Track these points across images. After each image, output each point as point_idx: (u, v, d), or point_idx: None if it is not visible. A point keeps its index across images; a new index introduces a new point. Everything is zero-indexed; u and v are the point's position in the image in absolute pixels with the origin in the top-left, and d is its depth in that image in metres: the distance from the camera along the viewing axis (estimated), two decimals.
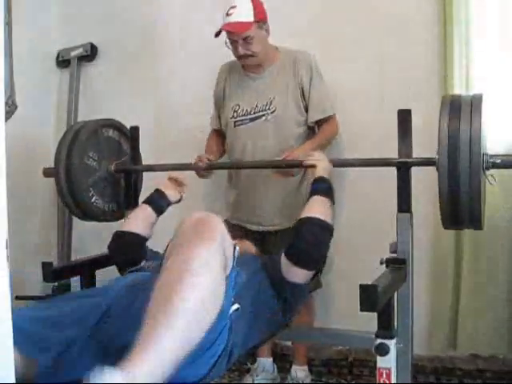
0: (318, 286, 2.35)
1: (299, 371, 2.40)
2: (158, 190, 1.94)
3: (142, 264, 1.72)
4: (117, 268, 1.83)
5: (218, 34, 2.14)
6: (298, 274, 1.57)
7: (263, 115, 2.21)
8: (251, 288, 1.47)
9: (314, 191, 1.74)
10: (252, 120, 2.23)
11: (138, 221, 1.87)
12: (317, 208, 1.67)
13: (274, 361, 2.51)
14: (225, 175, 2.45)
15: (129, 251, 1.79)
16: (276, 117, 2.20)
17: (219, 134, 2.40)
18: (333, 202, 1.72)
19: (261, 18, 2.14)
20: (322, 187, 1.74)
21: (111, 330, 1.22)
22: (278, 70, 2.23)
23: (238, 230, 2.34)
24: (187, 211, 2.77)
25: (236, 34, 2.12)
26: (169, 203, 1.94)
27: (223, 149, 2.37)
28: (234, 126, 2.27)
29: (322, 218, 1.61)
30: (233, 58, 2.27)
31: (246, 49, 2.15)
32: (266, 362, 2.46)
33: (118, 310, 1.24)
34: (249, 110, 2.24)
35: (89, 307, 1.28)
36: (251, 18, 2.11)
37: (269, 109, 2.20)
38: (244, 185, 2.30)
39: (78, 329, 1.23)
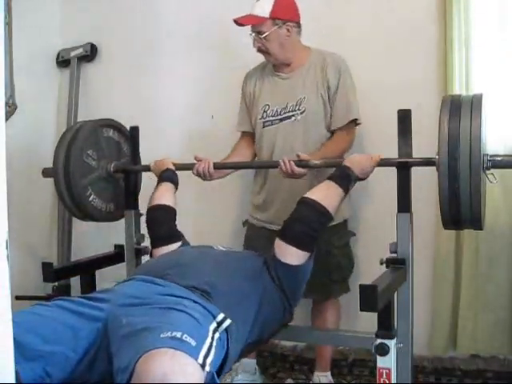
0: (345, 290, 2.31)
1: (322, 377, 2.35)
2: (168, 169, 2.05)
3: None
4: (152, 243, 1.87)
5: (236, 23, 2.12)
6: (287, 253, 1.58)
7: (293, 115, 2.18)
8: (252, 302, 1.49)
9: (329, 176, 1.75)
10: (281, 120, 2.20)
11: (165, 195, 1.95)
12: (321, 191, 1.68)
13: (256, 362, 2.47)
14: (245, 175, 2.44)
15: (164, 223, 1.87)
16: (306, 117, 2.16)
17: (249, 138, 2.34)
18: (345, 190, 1.69)
19: (279, 16, 2.11)
20: (338, 174, 1.73)
21: (101, 367, 1.25)
22: (308, 70, 2.19)
23: (261, 232, 2.30)
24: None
25: (252, 27, 2.13)
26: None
27: (253, 152, 2.33)
28: (263, 127, 2.24)
29: (320, 201, 1.63)
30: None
31: (260, 43, 2.14)
32: (248, 362, 2.41)
33: (107, 343, 1.24)
34: (279, 111, 2.20)
35: (84, 326, 1.27)
36: (266, 14, 2.09)
37: (298, 109, 2.17)
38: (271, 185, 2.25)
39: (68, 347, 1.23)
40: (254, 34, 2.14)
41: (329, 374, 2.37)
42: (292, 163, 1.89)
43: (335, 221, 2.16)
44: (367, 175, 1.78)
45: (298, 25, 2.20)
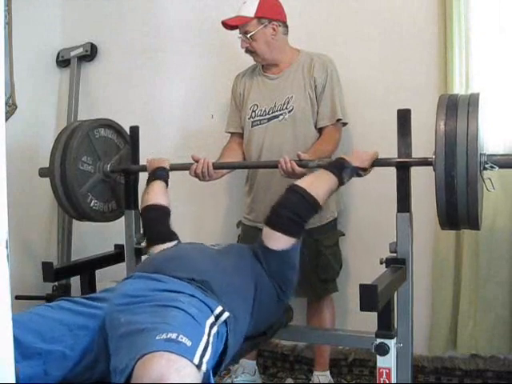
0: (334, 289, 2.32)
1: (321, 377, 2.35)
2: (160, 167, 2.06)
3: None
4: (147, 243, 1.89)
5: (224, 25, 2.19)
6: (273, 238, 1.60)
7: (281, 114, 2.20)
8: (249, 291, 1.50)
9: (325, 166, 1.77)
10: (270, 120, 2.22)
11: (161, 195, 1.97)
12: (311, 180, 1.70)
13: (257, 363, 2.49)
14: (240, 176, 2.44)
15: (161, 223, 1.89)
16: (293, 116, 2.18)
17: (239, 138, 2.35)
18: (338, 177, 1.70)
19: (264, 16, 2.15)
20: (333, 163, 1.75)
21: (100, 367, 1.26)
22: (296, 70, 2.22)
23: (252, 231, 2.30)
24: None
25: (239, 28, 2.17)
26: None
27: (243, 153, 2.33)
28: (252, 126, 2.26)
29: (306, 187, 1.64)
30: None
31: (247, 44, 2.18)
32: (248, 363, 2.42)
33: (104, 344, 1.25)
34: (267, 110, 2.23)
35: (82, 325, 1.28)
36: (251, 14, 2.14)
37: (286, 108, 2.19)
38: (260, 185, 2.27)
39: (65, 345, 1.24)
40: (241, 35, 2.18)
41: (328, 373, 2.38)
42: (293, 163, 1.90)
43: (324, 220, 2.19)
44: (366, 165, 1.76)
45: (285, 25, 2.23)
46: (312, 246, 2.12)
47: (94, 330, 1.28)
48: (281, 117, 2.20)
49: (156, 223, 1.89)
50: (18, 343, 1.15)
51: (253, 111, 2.26)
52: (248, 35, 2.16)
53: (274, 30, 2.18)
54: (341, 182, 1.72)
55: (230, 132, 2.38)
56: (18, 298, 2.42)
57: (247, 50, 2.21)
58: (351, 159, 1.75)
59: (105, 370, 1.25)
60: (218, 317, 1.28)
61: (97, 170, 2.21)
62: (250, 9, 2.15)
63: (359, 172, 1.76)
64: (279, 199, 1.67)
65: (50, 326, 1.25)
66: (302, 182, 1.68)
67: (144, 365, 1.02)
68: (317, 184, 1.68)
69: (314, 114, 2.20)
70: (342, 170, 1.71)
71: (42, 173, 2.24)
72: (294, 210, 1.62)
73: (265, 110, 2.24)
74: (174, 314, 1.21)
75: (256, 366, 2.48)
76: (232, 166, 2.26)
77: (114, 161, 2.26)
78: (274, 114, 2.22)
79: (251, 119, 2.26)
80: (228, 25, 2.20)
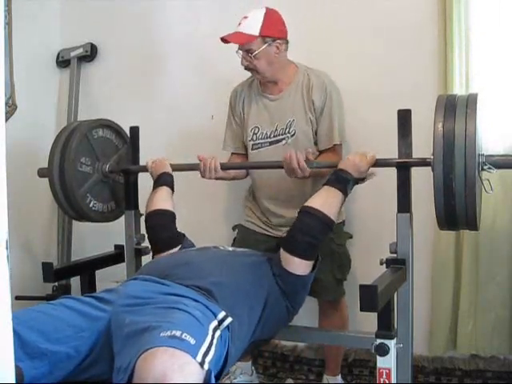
0: (343, 291, 2.28)
1: (332, 381, 2.34)
2: (164, 173, 2.04)
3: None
4: (152, 249, 1.87)
5: (223, 41, 2.06)
6: (292, 263, 1.60)
7: (283, 139, 2.15)
8: (258, 301, 1.51)
9: (327, 181, 1.75)
10: (272, 143, 2.17)
11: (163, 200, 1.95)
12: (321, 199, 1.68)
13: (252, 364, 2.48)
14: (238, 181, 2.42)
15: (165, 228, 1.87)
16: (296, 140, 2.13)
17: (239, 156, 2.30)
18: (345, 193, 1.70)
19: (269, 34, 2.04)
20: (335, 178, 1.73)
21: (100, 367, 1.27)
22: (296, 91, 2.15)
23: (247, 234, 2.30)
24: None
25: (240, 45, 2.06)
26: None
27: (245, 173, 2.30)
28: (252, 149, 2.21)
29: (320, 208, 1.63)
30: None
31: (248, 62, 2.07)
32: (244, 365, 2.42)
33: (107, 346, 1.26)
34: (268, 133, 2.17)
35: (87, 326, 1.29)
36: (256, 33, 2.02)
37: (288, 132, 2.14)
38: (264, 192, 2.24)
39: (70, 346, 1.25)
40: (241, 52, 2.07)
41: (339, 377, 2.35)
42: (300, 155, 1.86)
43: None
44: (363, 175, 1.77)
45: (287, 41, 2.13)
46: (325, 246, 1.97)
47: (98, 332, 1.28)
48: (283, 141, 2.15)
49: (159, 229, 1.87)
50: (21, 342, 1.16)
51: (254, 134, 2.20)
52: (253, 54, 2.04)
53: (277, 48, 2.07)
54: (345, 195, 1.72)
55: (233, 153, 2.31)
56: (17, 298, 2.42)
57: (247, 68, 2.11)
58: (349, 169, 1.72)
59: (105, 370, 1.25)
60: (221, 322, 1.28)
61: (95, 171, 2.21)
62: (253, 25, 2.02)
63: (358, 182, 1.77)
64: (295, 223, 1.66)
65: (54, 326, 1.25)
66: (313, 203, 1.66)
67: (146, 359, 1.02)
68: (328, 202, 1.67)
69: (315, 137, 2.16)
70: (346, 185, 1.70)
71: (41, 173, 2.24)
72: (311, 234, 1.61)
73: (266, 133, 2.18)
74: (178, 314, 1.22)
75: (252, 367, 2.48)
76: (237, 167, 2.25)
77: (112, 161, 2.26)
78: (276, 138, 2.16)
79: (252, 141, 2.21)
80: (228, 42, 2.05)
